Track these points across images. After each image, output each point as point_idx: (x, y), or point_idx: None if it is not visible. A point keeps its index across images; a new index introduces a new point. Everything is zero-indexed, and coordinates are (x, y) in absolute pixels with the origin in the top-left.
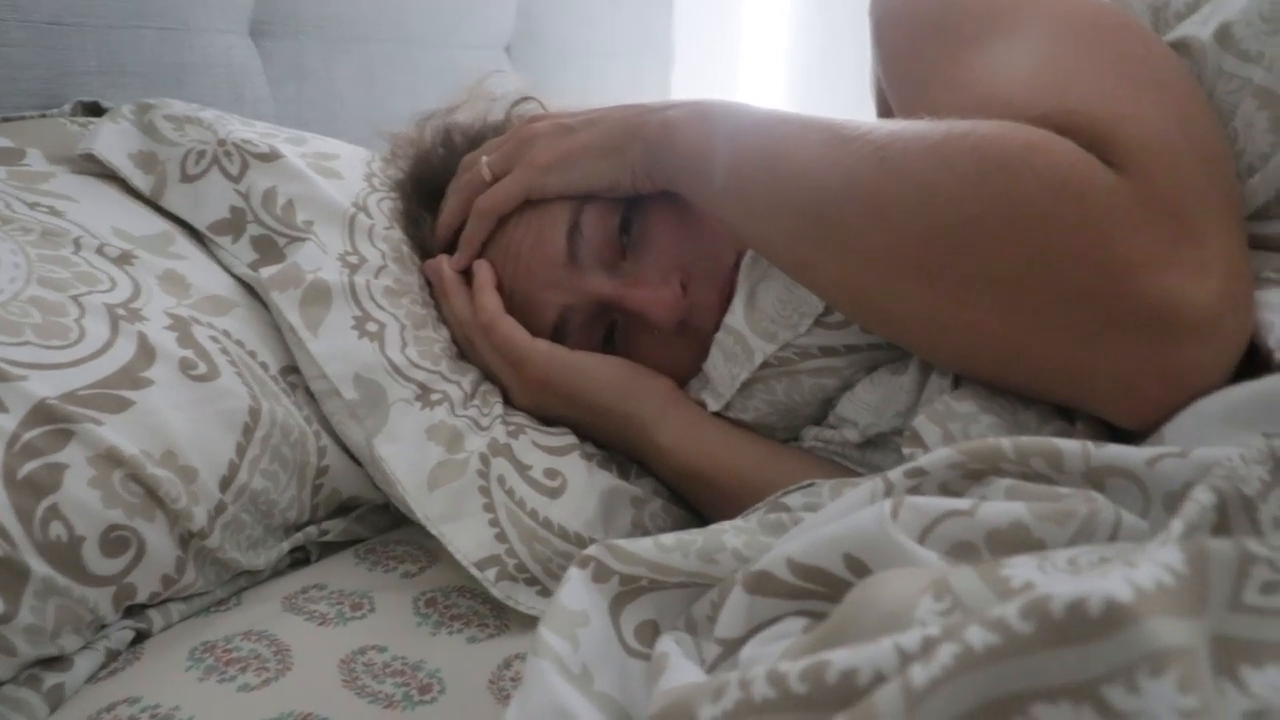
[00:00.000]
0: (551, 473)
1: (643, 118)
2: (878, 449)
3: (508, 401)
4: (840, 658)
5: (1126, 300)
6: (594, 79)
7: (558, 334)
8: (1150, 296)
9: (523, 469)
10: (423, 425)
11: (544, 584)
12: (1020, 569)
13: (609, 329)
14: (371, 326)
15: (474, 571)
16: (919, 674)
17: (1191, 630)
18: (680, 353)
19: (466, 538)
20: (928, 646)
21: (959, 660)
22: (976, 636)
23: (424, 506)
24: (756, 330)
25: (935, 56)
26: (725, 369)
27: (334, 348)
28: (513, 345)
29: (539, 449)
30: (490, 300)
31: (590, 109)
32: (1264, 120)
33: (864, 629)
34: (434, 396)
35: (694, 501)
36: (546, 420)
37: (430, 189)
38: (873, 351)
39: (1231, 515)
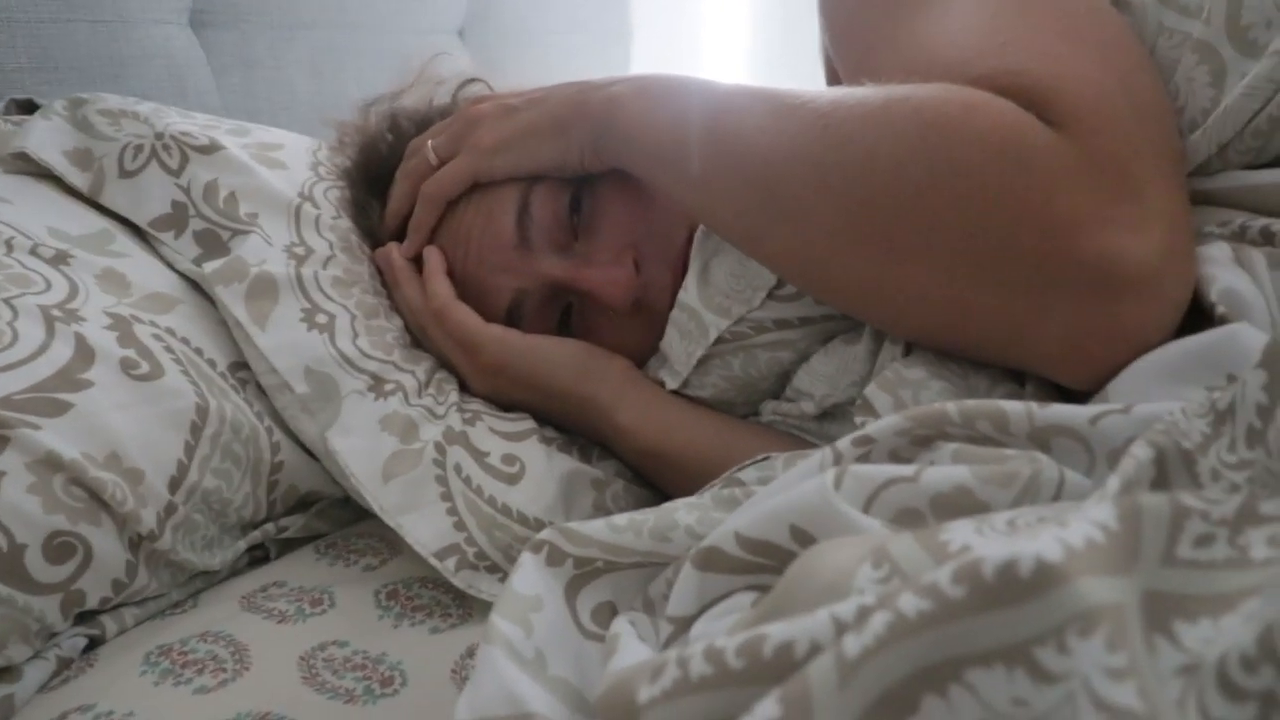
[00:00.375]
0: (509, 459)
1: (587, 95)
2: (835, 420)
3: (465, 389)
4: (776, 631)
5: (1067, 259)
6: (552, 60)
7: (512, 318)
8: (1090, 255)
9: (480, 456)
10: (376, 416)
11: (506, 571)
12: (958, 533)
13: (565, 312)
14: (321, 318)
15: (434, 562)
16: (852, 644)
17: (1121, 587)
18: (637, 332)
19: (425, 528)
20: (862, 616)
21: (891, 629)
22: (909, 604)
23: (380, 498)
24: (710, 306)
25: (878, 22)
26: (681, 346)
27: (283, 341)
28: (465, 331)
29: (496, 435)
30: (441, 287)
31: (536, 88)
32: (1204, 75)
33: (804, 601)
34: (387, 387)
35: (656, 481)
36: (504, 406)
37: (377, 176)
38: (827, 323)
39: (1171, 470)
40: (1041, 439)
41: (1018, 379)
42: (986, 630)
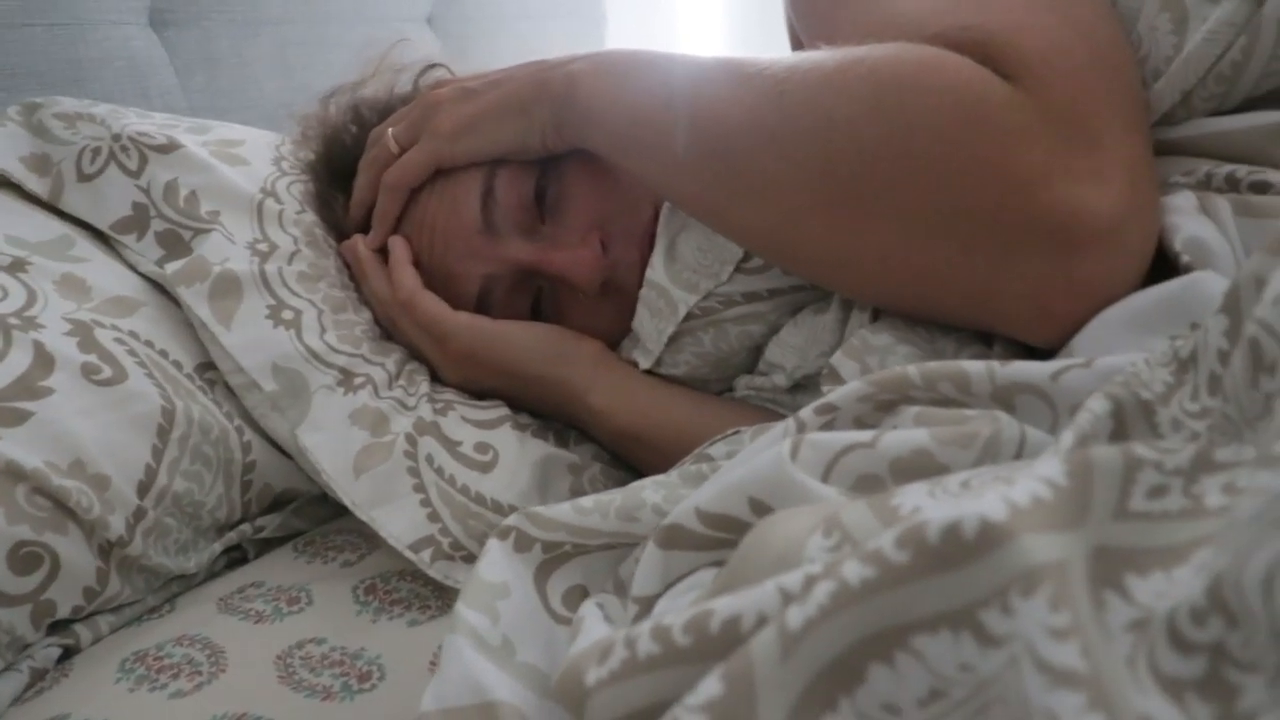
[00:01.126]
0: (482, 447)
1: (545, 74)
2: (808, 392)
3: (437, 379)
4: (723, 605)
5: (1027, 214)
6: (524, 47)
7: (482, 305)
8: (1050, 208)
9: (452, 445)
10: (346, 411)
11: None
12: (910, 496)
13: (536, 297)
14: (287, 314)
15: (408, 554)
16: (794, 615)
17: (1065, 543)
18: (608, 314)
19: (398, 521)
20: (808, 585)
21: (834, 598)
22: (853, 571)
23: (352, 493)
24: (678, 282)
25: None
26: (652, 325)
27: (249, 339)
28: (434, 320)
29: (468, 424)
30: (407, 277)
31: (495, 70)
32: (1166, 23)
33: (755, 573)
34: (357, 380)
35: (633, 462)
36: (478, 395)
37: (340, 167)
38: (796, 294)
39: (1129, 421)
40: (1004, 398)
41: (985, 340)
42: (931, 594)
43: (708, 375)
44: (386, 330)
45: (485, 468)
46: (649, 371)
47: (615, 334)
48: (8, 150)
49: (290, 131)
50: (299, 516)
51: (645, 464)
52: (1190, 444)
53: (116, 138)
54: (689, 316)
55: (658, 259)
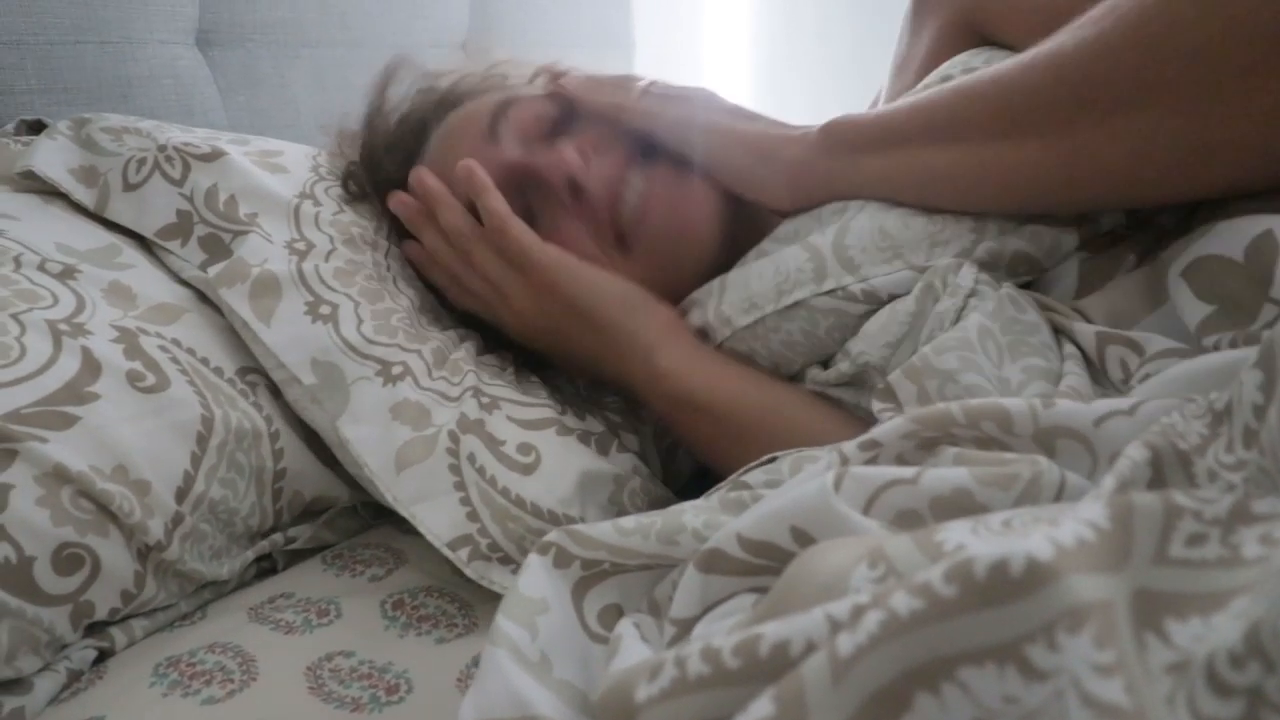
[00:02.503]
0: (525, 448)
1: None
2: (867, 392)
3: (487, 348)
4: (772, 630)
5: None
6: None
7: (470, 209)
8: None
9: (495, 444)
10: (387, 403)
11: (518, 562)
12: (954, 533)
13: (527, 215)
14: (324, 309)
15: (446, 552)
16: (845, 642)
17: (1110, 585)
18: (585, 233)
19: (438, 518)
20: (856, 614)
21: (884, 627)
22: (902, 602)
23: (393, 488)
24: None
25: None
26: (754, 287)
27: (288, 336)
28: (524, 248)
29: (514, 423)
30: (498, 203)
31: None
32: None
33: (801, 600)
34: (395, 370)
35: (684, 433)
36: (537, 337)
37: (408, 132)
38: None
39: (1167, 470)
40: (1046, 440)
41: (1053, 377)
42: (978, 628)
43: (793, 360)
44: (442, 283)
45: (527, 470)
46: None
47: (588, 254)
48: (57, 162)
49: (327, 145)
50: (329, 528)
51: (699, 435)
52: (1227, 495)
53: (162, 148)
54: (829, 292)
55: (829, 226)
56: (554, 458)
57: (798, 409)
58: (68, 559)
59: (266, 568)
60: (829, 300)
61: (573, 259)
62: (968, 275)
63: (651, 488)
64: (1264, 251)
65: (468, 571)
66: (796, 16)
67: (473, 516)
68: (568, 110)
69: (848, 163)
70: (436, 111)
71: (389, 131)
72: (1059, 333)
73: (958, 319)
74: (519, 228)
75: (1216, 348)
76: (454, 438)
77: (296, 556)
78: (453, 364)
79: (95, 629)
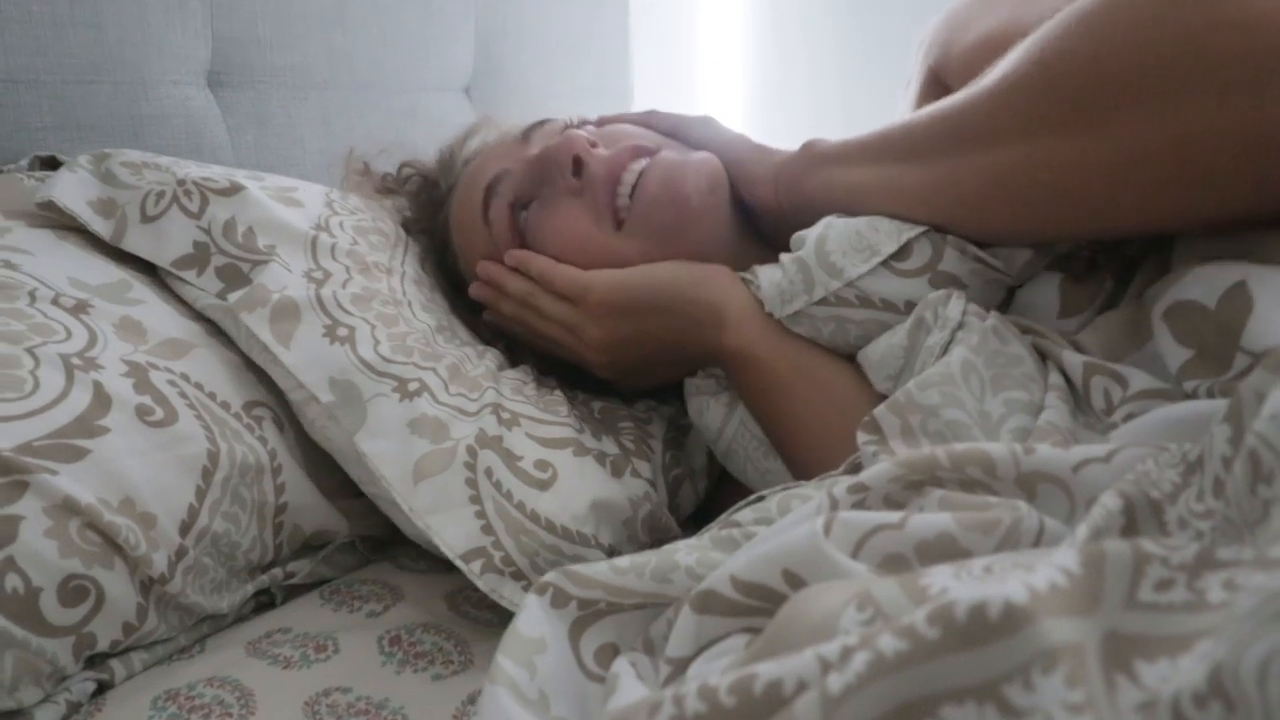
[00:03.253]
0: (542, 464)
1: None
2: None
3: (565, 374)
4: (766, 669)
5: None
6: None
7: (487, 195)
8: None
9: (512, 460)
10: (405, 418)
11: (530, 579)
12: (938, 577)
13: (524, 204)
14: (342, 332)
15: (459, 563)
16: (835, 681)
17: (1082, 628)
18: (584, 213)
19: (453, 530)
20: (845, 655)
21: (871, 667)
22: (888, 643)
23: (410, 499)
24: (823, 264)
25: None
26: (783, 285)
27: (307, 357)
28: (571, 279)
29: (532, 440)
30: (542, 260)
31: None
32: None
33: (793, 641)
34: (411, 387)
35: (743, 389)
36: (618, 355)
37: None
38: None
39: (1139, 518)
40: (1028, 484)
41: (1033, 410)
42: (959, 668)
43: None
44: (514, 338)
45: (543, 486)
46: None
47: (587, 244)
48: (77, 194)
49: (338, 180)
50: (327, 564)
51: (753, 386)
52: (1195, 542)
53: (181, 183)
54: (821, 301)
55: (810, 235)
56: (570, 476)
57: (844, 378)
58: (73, 590)
59: (265, 602)
60: (824, 309)
61: (617, 272)
62: (956, 308)
63: (660, 515)
64: (1236, 302)
65: (479, 584)
66: (790, 70)
67: (487, 530)
68: (584, 123)
69: (822, 172)
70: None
71: (452, 163)
72: (1046, 358)
73: (944, 352)
74: (563, 268)
75: (1196, 394)
76: (472, 452)
77: (294, 591)
78: (471, 380)
79: (95, 661)
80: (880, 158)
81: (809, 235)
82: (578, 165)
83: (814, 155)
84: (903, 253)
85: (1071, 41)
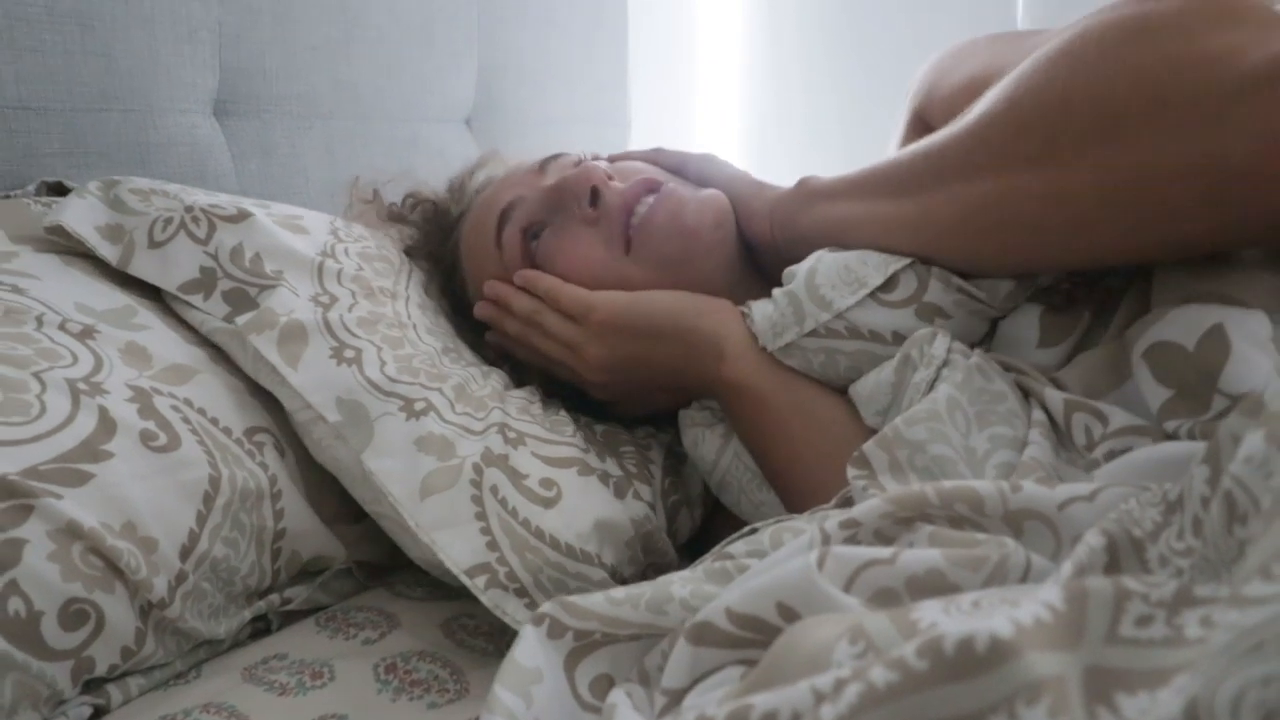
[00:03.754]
0: (547, 482)
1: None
2: None
3: (567, 397)
4: (761, 700)
5: (1231, 76)
6: (552, 147)
7: (501, 221)
8: (1254, 63)
9: (518, 478)
10: (411, 437)
11: (532, 596)
12: (928, 611)
13: (537, 231)
14: (349, 353)
15: (464, 579)
16: (828, 712)
17: (1064, 661)
18: (599, 241)
19: (458, 546)
20: (838, 687)
21: (863, 698)
22: (879, 675)
23: (416, 515)
24: (813, 296)
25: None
26: (774, 318)
27: (315, 378)
28: (577, 298)
29: (538, 459)
30: (549, 279)
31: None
32: None
33: (787, 673)
34: (418, 406)
35: (738, 419)
36: (617, 376)
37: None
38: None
39: (1122, 555)
40: (1015, 521)
41: (1017, 445)
42: (947, 700)
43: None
44: (518, 358)
45: (548, 504)
46: None
47: (597, 270)
48: (85, 219)
49: (344, 207)
50: (324, 590)
51: (747, 418)
52: (1175, 579)
53: (189, 209)
54: (812, 333)
55: (801, 269)
56: (574, 495)
57: (838, 412)
58: (74, 614)
59: (261, 628)
60: (814, 341)
61: (622, 294)
62: (941, 345)
63: (659, 538)
64: (1214, 345)
65: (483, 599)
66: (785, 101)
67: (492, 546)
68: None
69: (814, 207)
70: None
71: (462, 192)
72: (1029, 395)
73: (930, 389)
74: (570, 287)
75: (1176, 433)
76: (478, 470)
77: (290, 617)
78: (477, 400)
79: (92, 685)
80: (868, 193)
81: (800, 269)
82: (594, 195)
83: (807, 192)
84: (889, 284)
85: (1041, 81)
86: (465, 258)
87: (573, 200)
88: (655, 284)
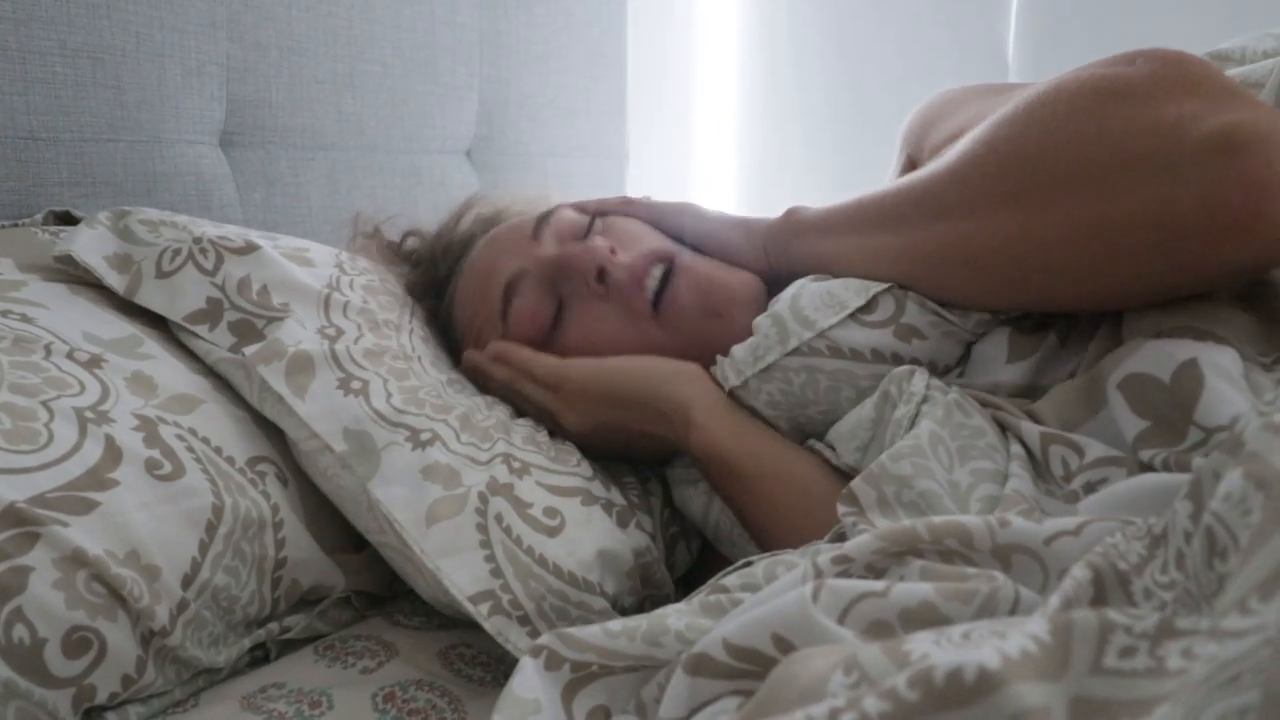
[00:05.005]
0: (551, 511)
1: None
2: None
3: (554, 434)
4: None
5: (1184, 141)
6: (551, 179)
7: (508, 294)
8: (1206, 131)
9: (522, 507)
10: (418, 466)
11: (535, 624)
12: (919, 643)
13: (558, 306)
14: (355, 385)
15: (467, 606)
16: None
17: (1050, 692)
18: (613, 317)
19: (462, 573)
20: (833, 716)
21: None
22: (872, 705)
23: (421, 541)
24: (797, 317)
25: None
26: (755, 345)
27: (322, 408)
28: (551, 368)
29: (542, 488)
30: (522, 351)
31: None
32: None
33: (783, 703)
34: (424, 436)
35: (714, 484)
36: (594, 436)
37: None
38: (897, 361)
39: (1107, 588)
40: (1003, 555)
41: (999, 478)
42: None
43: (779, 418)
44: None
45: (551, 532)
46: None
47: (618, 341)
48: (94, 249)
49: (345, 240)
50: (322, 619)
51: (723, 486)
52: (1158, 612)
53: (197, 241)
54: (794, 351)
55: (785, 295)
56: (578, 524)
57: (805, 469)
58: (77, 642)
59: (259, 656)
60: (797, 359)
61: (592, 362)
62: (919, 382)
63: (658, 570)
64: (1189, 378)
65: (486, 626)
66: (782, 135)
67: (496, 573)
68: (593, 220)
69: (807, 239)
70: (484, 227)
71: (450, 243)
72: (1005, 429)
73: (912, 425)
74: (542, 358)
75: (1152, 463)
76: (483, 498)
77: (289, 646)
78: (482, 431)
79: (92, 713)
80: (856, 226)
81: (784, 295)
82: (601, 274)
83: (798, 222)
84: (869, 306)
85: (1017, 129)
86: (460, 323)
87: (579, 278)
88: (680, 348)
